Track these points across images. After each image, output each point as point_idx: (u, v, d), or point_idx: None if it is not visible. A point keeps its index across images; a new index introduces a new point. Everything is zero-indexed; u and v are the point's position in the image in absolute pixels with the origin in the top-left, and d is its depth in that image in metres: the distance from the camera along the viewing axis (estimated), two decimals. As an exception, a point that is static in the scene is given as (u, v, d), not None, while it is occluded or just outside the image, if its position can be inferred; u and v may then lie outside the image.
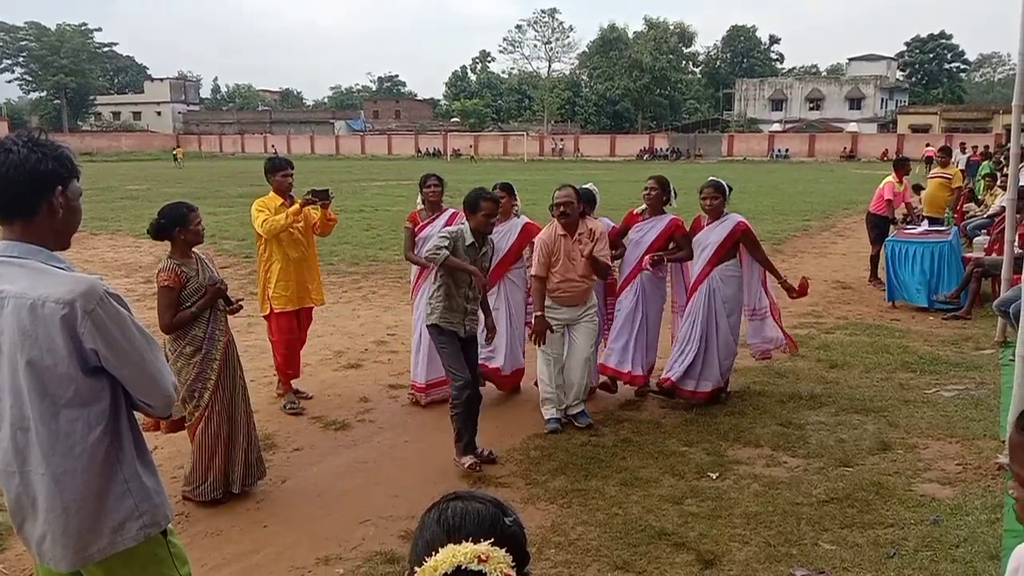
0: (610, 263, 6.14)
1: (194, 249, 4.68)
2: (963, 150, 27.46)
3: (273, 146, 69.83)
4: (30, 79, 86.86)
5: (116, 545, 2.25)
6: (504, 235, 6.34)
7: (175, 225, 4.53)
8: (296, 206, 6.14)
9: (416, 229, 6.51)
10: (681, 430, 5.84)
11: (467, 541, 1.28)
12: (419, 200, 6.61)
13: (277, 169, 6.26)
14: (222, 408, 4.68)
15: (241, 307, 4.88)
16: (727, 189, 6.38)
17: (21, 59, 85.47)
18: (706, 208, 6.38)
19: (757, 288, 6.60)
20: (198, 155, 63.30)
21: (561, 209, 5.71)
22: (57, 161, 2.15)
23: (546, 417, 5.92)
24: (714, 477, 5.02)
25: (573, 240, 5.77)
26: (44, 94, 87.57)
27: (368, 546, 4.27)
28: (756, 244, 6.50)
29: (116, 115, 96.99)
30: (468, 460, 5.16)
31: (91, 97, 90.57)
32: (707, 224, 6.39)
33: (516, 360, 6.65)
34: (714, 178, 6.51)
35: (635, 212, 6.73)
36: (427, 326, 5.43)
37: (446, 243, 5.11)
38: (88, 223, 16.55)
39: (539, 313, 5.78)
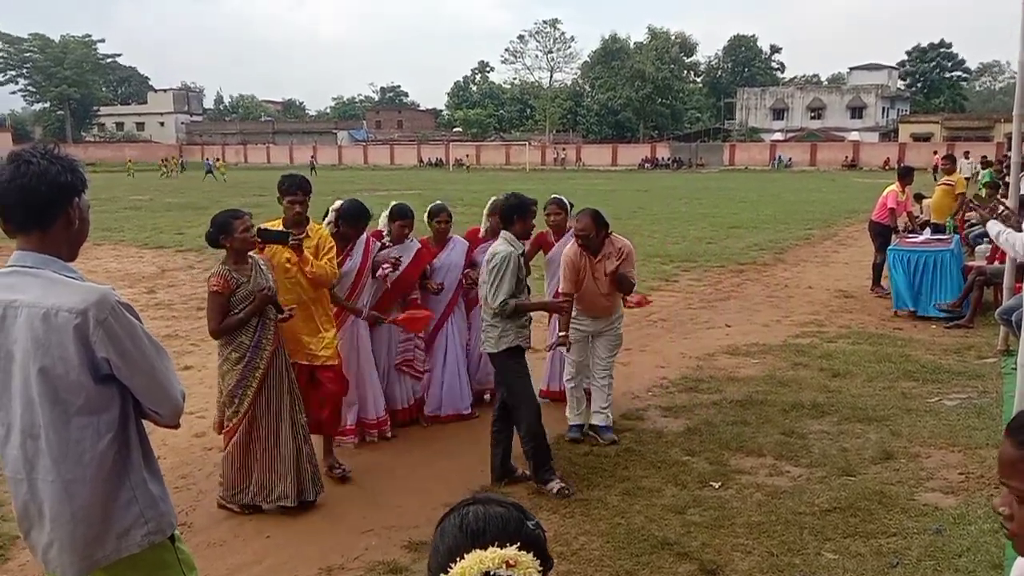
0: (635, 280, 6.03)
1: (252, 255, 4.64)
2: (966, 157, 27.53)
3: (313, 158, 67.63)
4: (34, 90, 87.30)
5: (120, 551, 2.27)
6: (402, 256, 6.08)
7: (220, 233, 4.53)
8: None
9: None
10: (683, 439, 5.84)
11: (492, 546, 1.26)
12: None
13: (284, 192, 5.10)
14: (263, 417, 4.63)
15: (292, 315, 4.73)
16: (569, 205, 6.66)
17: (25, 70, 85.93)
18: (551, 224, 6.66)
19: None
20: (198, 165, 63.29)
21: (581, 241, 5.64)
22: (74, 173, 2.19)
23: (569, 423, 5.94)
24: (716, 486, 5.02)
25: (597, 261, 5.72)
26: (48, 105, 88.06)
27: (371, 556, 4.27)
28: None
29: (119, 126, 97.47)
30: (556, 485, 4.97)
31: (94, 108, 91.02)
32: (555, 240, 6.65)
33: (382, 401, 6.21)
34: (556, 195, 6.77)
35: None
36: (501, 352, 5.04)
37: (507, 286, 4.90)
38: (92, 233, 16.56)
39: (563, 333, 5.64)
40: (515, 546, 1.26)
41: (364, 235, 5.81)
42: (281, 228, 4.96)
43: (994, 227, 6.54)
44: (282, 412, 4.67)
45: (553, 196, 6.74)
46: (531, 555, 1.26)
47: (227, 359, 4.57)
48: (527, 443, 5.05)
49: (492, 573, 1.22)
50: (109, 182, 42.10)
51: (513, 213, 5.07)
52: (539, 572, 1.26)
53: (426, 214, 6.39)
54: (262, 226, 4.87)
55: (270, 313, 4.61)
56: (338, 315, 5.57)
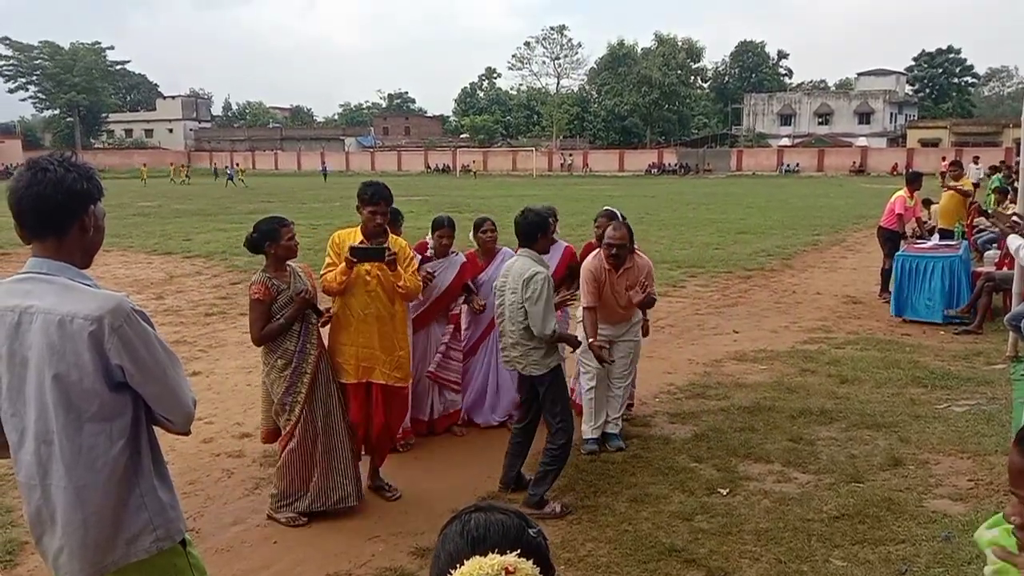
0: (655, 297, 5.96)
1: (289, 263, 4.67)
2: (975, 163, 27.45)
3: (324, 165, 66.52)
4: (44, 97, 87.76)
5: (129, 557, 2.28)
6: (442, 272, 6.04)
7: (266, 240, 4.55)
8: (342, 266, 4.68)
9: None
10: (691, 446, 5.83)
11: (492, 552, 1.26)
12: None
13: (366, 201, 4.73)
14: (317, 422, 4.67)
15: (331, 318, 4.81)
16: (621, 217, 6.40)
17: (35, 77, 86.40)
18: (599, 235, 6.31)
19: None
20: (206, 171, 63.45)
21: (613, 251, 5.53)
22: (90, 181, 2.23)
23: (584, 437, 5.83)
24: (724, 493, 5.01)
25: (619, 275, 5.66)
26: (57, 112, 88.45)
27: (378, 562, 4.28)
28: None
29: (128, 132, 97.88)
30: (559, 506, 4.86)
31: (104, 115, 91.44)
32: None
33: (427, 408, 6.26)
34: (608, 207, 6.57)
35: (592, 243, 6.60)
36: (548, 373, 4.85)
37: (552, 311, 4.77)
38: (100, 240, 16.63)
39: (592, 340, 5.44)
40: (515, 553, 1.26)
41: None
42: (362, 240, 4.72)
43: (1015, 241, 6.48)
44: (335, 414, 4.74)
45: (605, 208, 6.59)
46: (531, 563, 1.26)
47: (273, 367, 4.60)
48: (556, 462, 4.88)
49: None
50: (118, 188, 42.26)
51: (536, 231, 4.86)
52: None
53: (472, 227, 6.33)
54: (355, 244, 4.63)
55: (311, 318, 4.65)
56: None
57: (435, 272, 5.93)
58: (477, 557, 1.26)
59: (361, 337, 4.76)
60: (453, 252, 6.11)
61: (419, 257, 5.78)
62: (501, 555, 1.25)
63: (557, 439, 4.87)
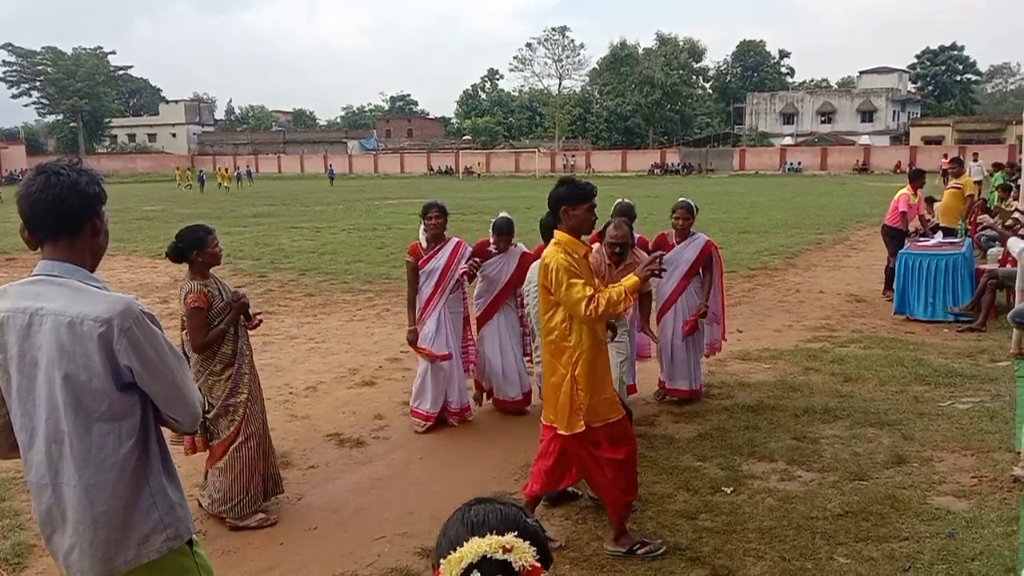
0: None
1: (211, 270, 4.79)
2: (975, 159, 27.41)
3: (331, 168, 65.63)
4: (47, 103, 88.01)
5: (141, 558, 2.30)
6: (502, 266, 6.54)
7: (193, 248, 4.61)
8: (634, 280, 4.16)
9: (419, 264, 6.29)
10: (695, 445, 5.84)
11: (491, 535, 1.30)
12: (421, 231, 6.39)
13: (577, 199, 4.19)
14: (257, 421, 4.81)
15: (261, 321, 5.00)
16: (695, 209, 6.81)
17: (38, 83, 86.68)
18: (677, 227, 6.81)
19: (717, 295, 7.08)
20: (212, 176, 63.30)
21: (617, 249, 5.56)
22: (98, 185, 2.30)
23: None
24: (728, 492, 5.02)
25: (618, 271, 5.66)
26: (60, 117, 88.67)
27: (384, 563, 4.30)
28: (719, 260, 7.02)
29: (132, 137, 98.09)
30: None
31: (106, 120, 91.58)
32: (676, 242, 6.82)
33: (525, 383, 6.79)
34: (684, 199, 6.93)
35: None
36: None
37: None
38: (105, 244, 16.72)
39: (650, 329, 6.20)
40: (513, 534, 1.30)
41: (455, 238, 6.43)
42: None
43: (1016, 244, 6.22)
44: (264, 411, 4.96)
45: (681, 199, 6.91)
46: (528, 543, 1.30)
47: (211, 372, 4.68)
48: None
49: (489, 556, 1.26)
50: (121, 193, 42.41)
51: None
52: (536, 560, 1.29)
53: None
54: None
55: (242, 320, 4.79)
56: (425, 306, 6.27)
57: (496, 266, 6.51)
58: (476, 538, 1.30)
59: (603, 368, 4.23)
60: (514, 244, 6.60)
61: (469, 249, 6.44)
62: (499, 536, 1.29)
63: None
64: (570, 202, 4.18)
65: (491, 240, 6.58)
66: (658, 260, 4.34)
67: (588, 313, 3.97)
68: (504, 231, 6.48)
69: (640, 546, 4.26)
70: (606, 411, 4.17)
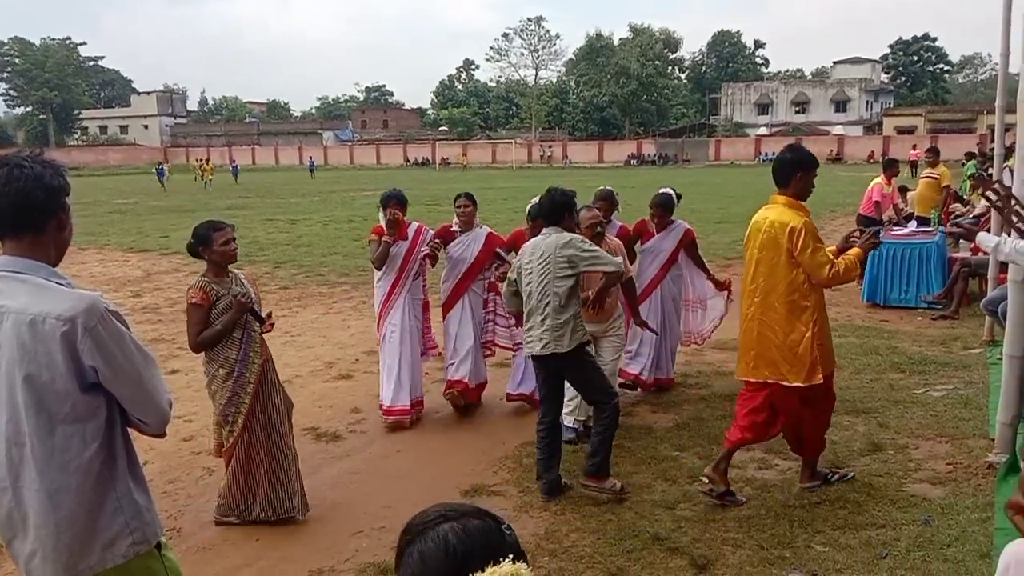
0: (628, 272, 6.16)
1: (233, 269, 4.56)
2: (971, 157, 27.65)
3: (311, 160, 62.58)
4: (15, 94, 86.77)
5: (106, 562, 2.24)
6: (467, 245, 6.41)
7: (200, 245, 4.44)
8: (858, 251, 4.61)
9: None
10: (673, 435, 5.85)
11: (484, 565, 1.22)
12: (381, 216, 6.23)
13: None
14: (260, 435, 4.52)
15: (274, 324, 4.66)
16: (675, 199, 6.92)
17: (6, 74, 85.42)
18: (654, 223, 6.94)
19: (702, 282, 7.19)
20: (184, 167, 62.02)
21: (598, 230, 5.57)
22: (62, 177, 2.21)
23: (564, 424, 5.77)
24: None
25: None
26: (29, 109, 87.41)
27: (361, 557, 4.26)
28: (696, 247, 7.12)
29: (103, 129, 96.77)
30: (618, 483, 4.87)
31: (77, 112, 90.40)
32: (656, 232, 6.89)
33: (480, 374, 6.63)
34: (665, 190, 7.01)
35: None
36: (578, 347, 4.81)
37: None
38: (76, 237, 16.44)
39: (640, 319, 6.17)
40: (508, 559, 1.23)
41: (415, 222, 6.36)
42: None
43: (987, 239, 5.40)
44: (279, 427, 4.58)
45: (662, 191, 6.99)
46: (522, 563, 1.24)
47: (215, 377, 4.47)
48: (606, 432, 4.84)
49: None
50: (92, 186, 41.81)
51: (563, 211, 4.92)
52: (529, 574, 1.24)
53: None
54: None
55: (254, 326, 4.52)
56: (388, 295, 6.25)
57: (460, 246, 6.38)
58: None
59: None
60: (477, 225, 6.50)
61: (430, 232, 6.36)
62: (495, 565, 1.22)
63: (608, 414, 4.86)
64: (804, 168, 4.53)
65: (527, 226, 6.32)
66: (875, 233, 4.82)
67: (830, 276, 4.42)
68: (457, 199, 6.48)
69: (833, 474, 4.90)
70: (830, 363, 4.73)
